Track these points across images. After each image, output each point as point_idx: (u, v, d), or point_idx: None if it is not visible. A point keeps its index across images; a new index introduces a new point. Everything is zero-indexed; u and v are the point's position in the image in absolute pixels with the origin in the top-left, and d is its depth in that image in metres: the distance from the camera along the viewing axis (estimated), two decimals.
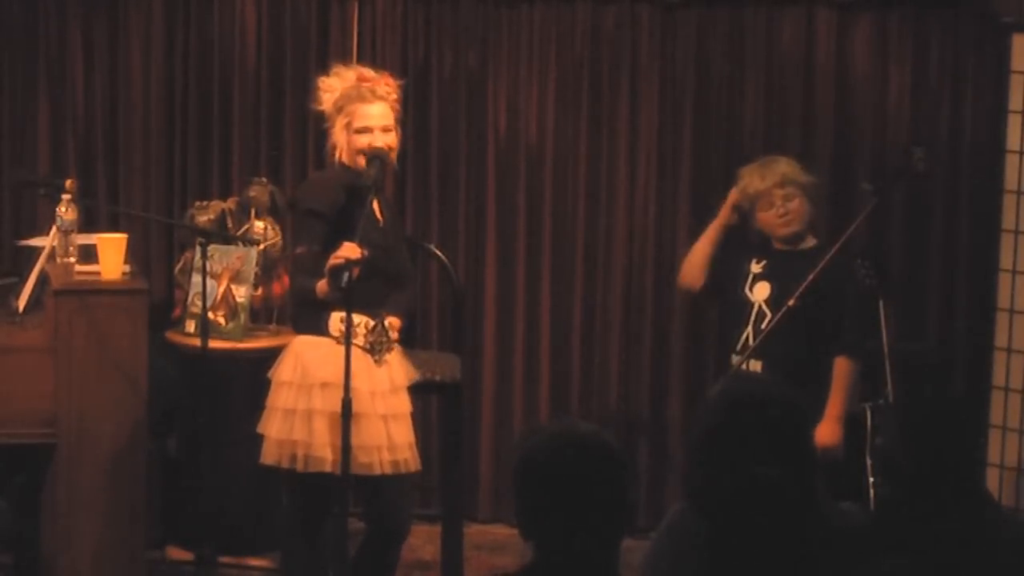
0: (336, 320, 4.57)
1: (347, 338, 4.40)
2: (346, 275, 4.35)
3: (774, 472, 2.79)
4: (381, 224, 4.75)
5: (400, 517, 4.83)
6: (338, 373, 4.43)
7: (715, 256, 5.22)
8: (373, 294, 4.66)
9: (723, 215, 5.21)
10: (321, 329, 4.65)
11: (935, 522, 3.16)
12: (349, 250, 4.41)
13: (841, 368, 4.97)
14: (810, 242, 5.12)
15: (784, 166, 5.12)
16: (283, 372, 4.67)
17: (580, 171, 6.13)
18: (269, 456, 4.66)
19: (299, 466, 4.61)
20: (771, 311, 4.98)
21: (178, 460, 5.70)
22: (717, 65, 6.06)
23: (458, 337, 5.77)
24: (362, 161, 4.68)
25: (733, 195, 5.19)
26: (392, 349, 4.71)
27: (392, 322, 4.72)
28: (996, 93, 5.89)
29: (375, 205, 4.72)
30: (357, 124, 4.70)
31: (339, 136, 4.73)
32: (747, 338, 5.01)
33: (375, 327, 4.66)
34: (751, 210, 5.13)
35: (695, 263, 5.26)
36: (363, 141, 4.68)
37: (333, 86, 4.76)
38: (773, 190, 5.07)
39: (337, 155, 4.75)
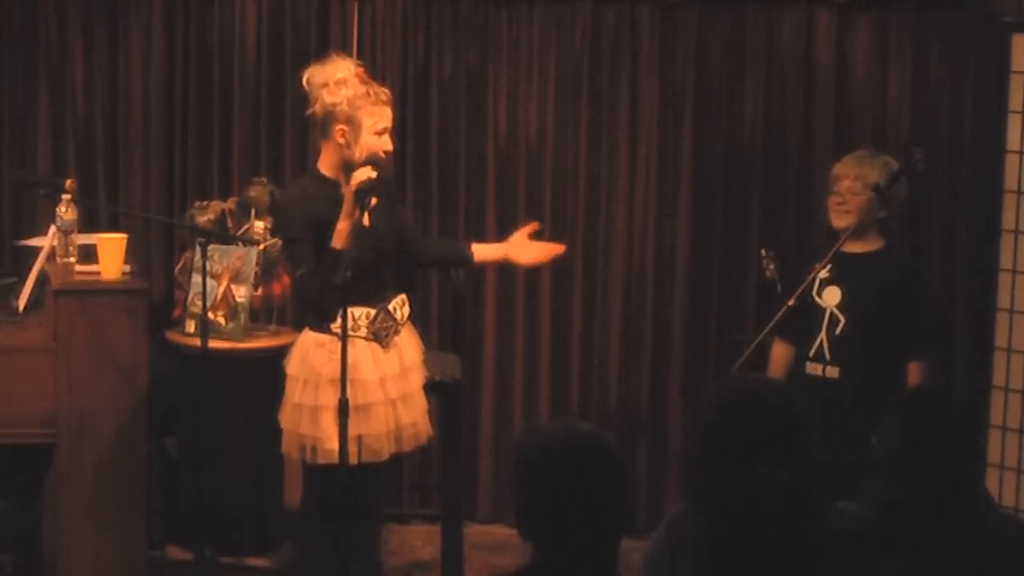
0: (337, 317, 4.57)
1: (343, 337, 4.41)
2: (344, 272, 4.36)
3: (772, 472, 2.79)
4: (370, 225, 4.63)
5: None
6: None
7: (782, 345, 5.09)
8: (370, 289, 4.67)
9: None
10: (324, 326, 4.65)
11: (934, 523, 3.16)
12: (364, 172, 4.45)
13: (916, 373, 4.91)
14: (876, 244, 5.01)
15: (875, 166, 4.97)
16: (292, 366, 4.72)
17: (580, 171, 6.13)
18: (285, 445, 4.74)
19: (308, 457, 4.65)
20: (844, 315, 4.90)
21: (178, 460, 5.70)
22: (717, 65, 6.05)
23: (458, 337, 5.77)
24: (361, 169, 4.56)
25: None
26: (399, 331, 4.73)
27: (400, 302, 4.74)
28: (996, 93, 5.88)
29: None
30: (380, 126, 4.63)
31: (366, 137, 4.60)
32: (821, 343, 4.92)
33: (376, 316, 4.68)
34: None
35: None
36: (382, 143, 4.65)
37: (345, 82, 4.60)
38: (844, 178, 4.96)
39: (356, 154, 4.59)
